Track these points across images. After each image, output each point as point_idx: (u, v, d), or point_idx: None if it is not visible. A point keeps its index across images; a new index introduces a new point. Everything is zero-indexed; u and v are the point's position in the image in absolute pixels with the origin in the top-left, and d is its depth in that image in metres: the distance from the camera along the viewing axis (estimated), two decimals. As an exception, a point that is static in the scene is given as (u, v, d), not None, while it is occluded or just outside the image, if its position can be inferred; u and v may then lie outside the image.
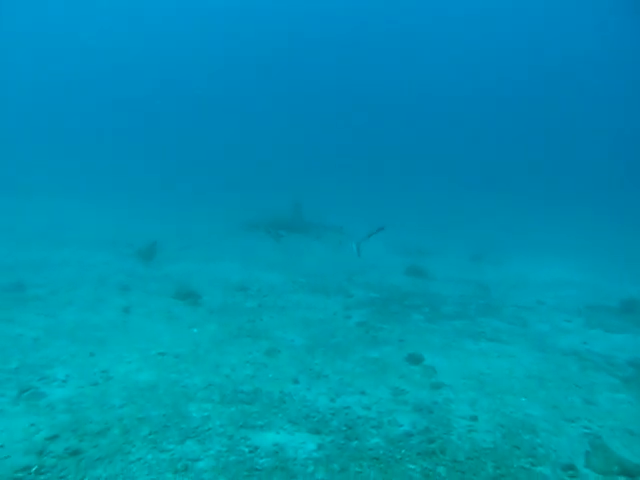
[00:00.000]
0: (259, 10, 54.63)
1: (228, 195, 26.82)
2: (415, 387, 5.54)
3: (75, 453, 3.80)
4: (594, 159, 43.72)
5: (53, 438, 3.94)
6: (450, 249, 17.80)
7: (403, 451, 4.18)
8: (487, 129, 53.63)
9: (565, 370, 6.30)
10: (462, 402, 5.14)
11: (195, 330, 6.99)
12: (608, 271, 14.05)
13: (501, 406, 5.13)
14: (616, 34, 47.89)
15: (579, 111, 52.65)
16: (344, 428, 4.51)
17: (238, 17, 55.34)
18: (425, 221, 25.61)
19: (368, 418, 4.74)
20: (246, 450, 4.04)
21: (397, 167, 42.85)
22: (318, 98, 58.72)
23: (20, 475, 3.49)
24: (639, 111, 48.02)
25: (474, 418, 4.81)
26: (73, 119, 45.52)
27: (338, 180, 33.71)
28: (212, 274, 10.66)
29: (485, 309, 9.19)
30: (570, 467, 4.07)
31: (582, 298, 10.62)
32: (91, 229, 15.64)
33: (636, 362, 6.63)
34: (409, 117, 57.01)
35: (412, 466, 3.98)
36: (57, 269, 9.79)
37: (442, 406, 5.02)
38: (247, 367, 5.80)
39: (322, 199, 24.85)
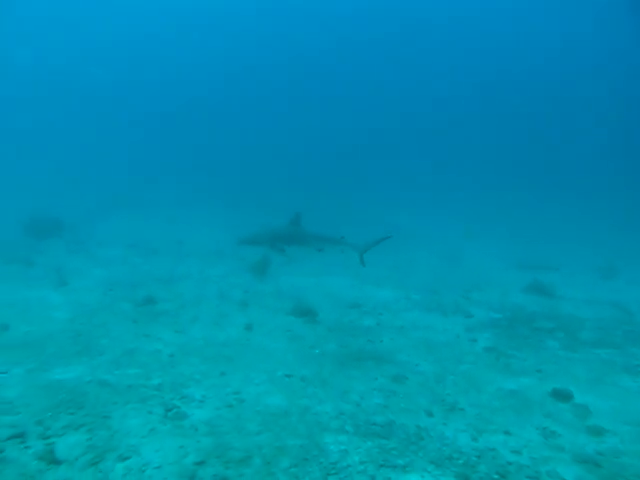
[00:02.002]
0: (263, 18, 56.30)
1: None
2: (569, 430, 4.89)
3: (222, 482, 3.79)
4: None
5: (201, 464, 3.98)
6: (571, 262, 16.24)
7: (573, 512, 3.64)
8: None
9: None
10: (636, 456, 4.41)
11: (317, 351, 6.90)
12: None
13: (684, 462, 4.33)
14: (615, 34, 46.71)
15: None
16: (496, 476, 4.05)
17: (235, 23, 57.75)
18: (532, 231, 23.83)
19: (521, 465, 4.23)
20: (392, 494, 3.77)
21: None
22: (320, 104, 59.82)
23: (175, 502, 3.54)
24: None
25: (654, 476, 4.10)
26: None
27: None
28: (323, 289, 10.63)
29: (636, 337, 8.07)
30: None
31: None
32: (201, 240, 16.54)
33: None
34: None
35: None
36: (181, 283, 10.37)
37: (611, 459, 4.34)
38: (376, 395, 5.54)
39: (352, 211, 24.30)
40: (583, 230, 23.60)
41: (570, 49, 53.34)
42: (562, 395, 5.57)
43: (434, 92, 60.63)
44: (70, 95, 56.74)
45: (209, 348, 6.73)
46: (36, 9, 53.18)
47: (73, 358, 5.88)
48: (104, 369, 5.67)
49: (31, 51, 53.56)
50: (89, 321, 7.34)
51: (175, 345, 6.71)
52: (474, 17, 54.96)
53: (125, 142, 46.42)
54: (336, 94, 61.90)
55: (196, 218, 21.81)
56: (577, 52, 53.24)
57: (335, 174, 40.09)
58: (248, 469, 3.98)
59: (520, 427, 4.93)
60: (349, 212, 24.73)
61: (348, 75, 61.89)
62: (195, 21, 58.97)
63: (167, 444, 4.25)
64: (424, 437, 4.66)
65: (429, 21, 56.35)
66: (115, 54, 58.46)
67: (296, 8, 57.22)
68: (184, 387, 5.43)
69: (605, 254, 16.64)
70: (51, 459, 3.83)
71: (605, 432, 4.82)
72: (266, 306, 8.96)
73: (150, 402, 5.00)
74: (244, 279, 11.12)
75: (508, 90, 56.99)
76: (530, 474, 4.11)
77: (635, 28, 40.78)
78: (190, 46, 61.21)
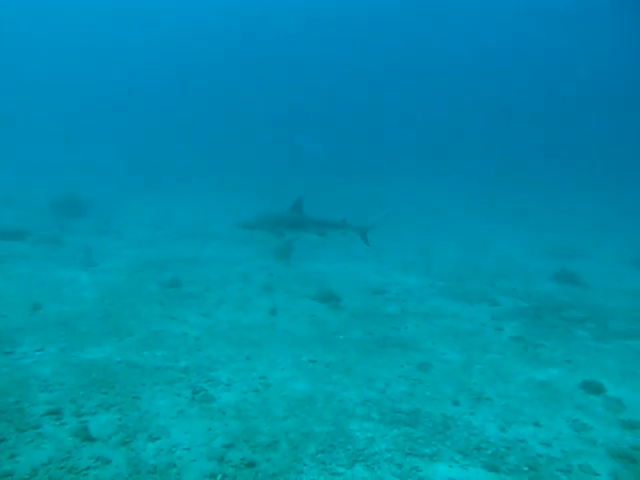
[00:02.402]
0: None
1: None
2: (601, 423, 4.78)
3: (251, 465, 3.83)
4: None
5: (229, 446, 4.02)
6: (601, 252, 15.79)
7: (606, 508, 3.57)
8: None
9: None
10: (673, 452, 4.30)
11: (341, 337, 6.89)
12: None
13: None
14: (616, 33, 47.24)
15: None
16: (526, 468, 3.99)
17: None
18: (560, 217, 23.26)
19: (552, 458, 4.16)
20: (420, 483, 3.76)
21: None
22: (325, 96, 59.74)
23: (207, 483, 3.60)
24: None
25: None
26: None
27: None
28: (347, 275, 10.60)
29: (670, 329, 7.82)
30: None
31: None
32: (227, 223, 16.63)
33: None
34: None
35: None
36: (206, 265, 10.47)
37: (647, 455, 4.24)
38: (401, 382, 5.51)
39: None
40: (612, 220, 22.92)
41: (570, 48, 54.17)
42: (593, 387, 5.45)
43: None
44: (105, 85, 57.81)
45: (234, 332, 6.79)
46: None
47: (103, 338, 6.01)
48: (133, 350, 5.78)
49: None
50: (118, 302, 7.47)
51: (201, 328, 6.79)
52: (474, 16, 56.01)
53: (154, 130, 46.90)
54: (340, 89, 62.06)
55: (223, 203, 21.92)
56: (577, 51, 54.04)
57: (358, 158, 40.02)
58: (275, 454, 4.01)
59: (550, 419, 4.84)
60: (375, 195, 24.59)
61: (353, 69, 62.02)
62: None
63: (195, 426, 4.31)
64: (451, 426, 4.62)
65: (429, 20, 57.35)
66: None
67: (296, 7, 57.41)
68: (210, 370, 5.49)
69: (636, 244, 16.13)
70: (85, 436, 3.92)
71: (640, 427, 4.70)
72: (290, 290, 8.98)
73: (178, 384, 5.07)
74: (268, 262, 11.15)
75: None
76: (561, 467, 4.04)
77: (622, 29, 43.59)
78: (214, 38, 61.45)
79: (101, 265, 9.68)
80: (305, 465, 3.88)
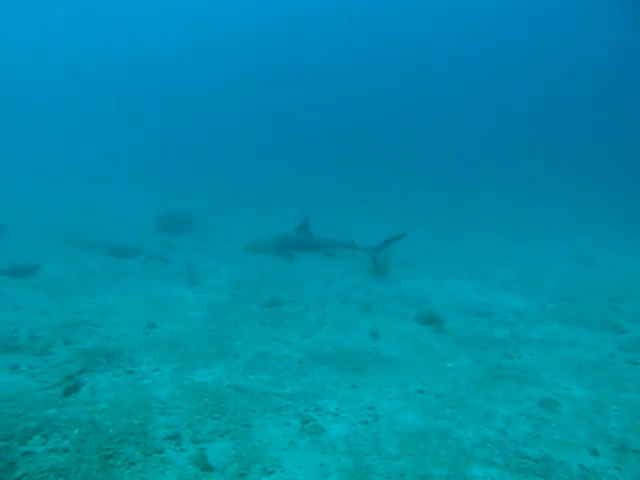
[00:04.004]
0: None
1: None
2: None
3: (368, 511, 3.62)
4: None
5: (344, 487, 3.86)
6: None
7: None
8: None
9: None
10: None
11: (449, 365, 6.49)
12: None
13: None
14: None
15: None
16: None
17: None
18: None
19: None
20: None
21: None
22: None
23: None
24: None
25: None
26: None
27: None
28: (447, 294, 10.10)
29: None
30: None
31: None
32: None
33: None
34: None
35: None
36: (302, 284, 10.53)
37: None
38: (523, 421, 5.01)
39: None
40: None
41: (570, 47, 53.16)
42: None
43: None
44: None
45: (337, 355, 6.65)
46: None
47: (212, 360, 6.16)
48: (240, 373, 5.84)
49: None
50: (222, 321, 7.68)
51: (303, 350, 6.75)
52: (473, 15, 54.76)
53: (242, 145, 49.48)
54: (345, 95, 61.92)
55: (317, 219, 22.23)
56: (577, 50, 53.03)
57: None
58: (394, 499, 3.76)
59: None
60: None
61: (354, 74, 61.91)
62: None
63: (308, 460, 4.19)
64: (591, 481, 4.07)
65: (428, 19, 56.26)
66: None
67: (296, 7, 57.72)
68: (317, 398, 5.38)
69: None
70: (204, 465, 3.96)
71: None
72: (389, 310, 8.71)
73: (285, 412, 5.01)
74: (362, 280, 10.98)
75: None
76: None
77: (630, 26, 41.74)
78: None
79: (204, 283, 10.10)
80: (428, 516, 3.59)
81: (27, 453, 3.79)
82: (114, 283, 9.56)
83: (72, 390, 4.93)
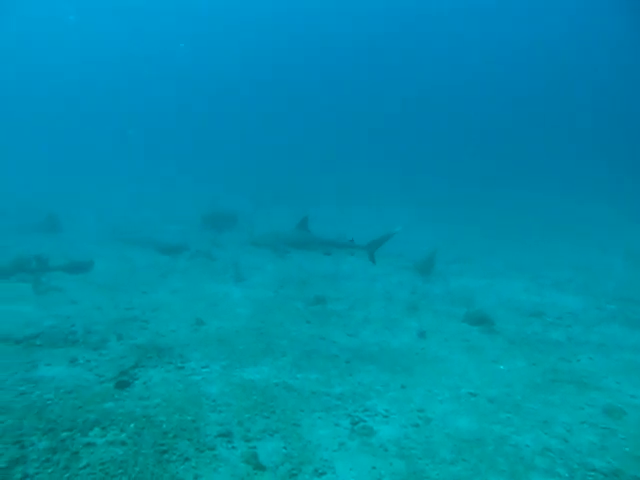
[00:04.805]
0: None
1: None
2: None
3: (424, 518, 3.51)
4: None
5: (398, 492, 3.76)
6: None
7: None
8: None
9: None
10: None
11: (502, 367, 6.25)
12: None
13: None
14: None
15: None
16: None
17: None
18: None
19: None
20: None
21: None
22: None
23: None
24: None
25: None
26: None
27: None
28: (496, 293, 9.77)
29: None
30: None
31: None
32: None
33: None
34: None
35: None
36: (346, 281, 10.45)
37: None
38: (587, 430, 4.74)
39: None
40: None
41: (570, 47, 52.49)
42: None
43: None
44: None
45: (384, 355, 6.54)
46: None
47: (259, 357, 6.18)
48: (287, 372, 5.83)
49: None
50: (268, 319, 7.72)
51: (350, 350, 6.67)
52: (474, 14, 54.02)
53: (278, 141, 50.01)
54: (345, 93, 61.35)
55: (359, 214, 22.12)
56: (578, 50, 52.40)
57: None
58: (450, 507, 3.63)
59: None
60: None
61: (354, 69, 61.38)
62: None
63: (359, 463, 4.12)
64: (666, 497, 3.79)
65: (428, 17, 55.65)
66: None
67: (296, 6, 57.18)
68: (366, 399, 5.29)
69: None
70: (256, 464, 3.95)
71: None
72: (436, 310, 8.50)
73: (335, 412, 4.95)
74: (407, 278, 10.79)
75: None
76: None
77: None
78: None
79: (249, 280, 10.20)
80: (487, 526, 3.44)
81: (89, 444, 3.90)
82: (163, 279, 9.79)
83: (127, 384, 5.07)
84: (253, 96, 64.25)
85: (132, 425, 4.26)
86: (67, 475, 3.53)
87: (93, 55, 61.48)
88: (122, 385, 5.04)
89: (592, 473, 4.06)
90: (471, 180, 33.06)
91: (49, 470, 3.56)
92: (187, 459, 3.91)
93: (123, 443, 3.99)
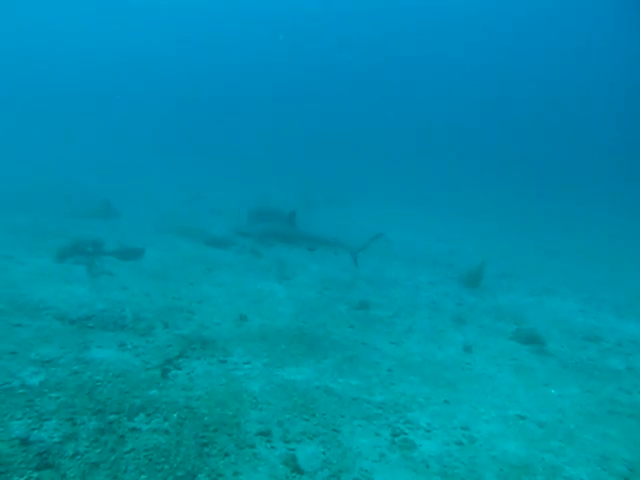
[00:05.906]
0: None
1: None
2: None
3: None
4: None
5: (440, 513, 3.61)
6: None
7: None
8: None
9: None
10: None
11: (554, 391, 5.92)
12: None
13: None
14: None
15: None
16: None
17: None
18: None
19: None
20: None
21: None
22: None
23: None
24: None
25: None
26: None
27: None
28: (547, 312, 9.31)
29: None
30: None
31: None
32: (405, 239, 16.34)
33: None
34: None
35: None
36: (390, 288, 10.26)
37: None
38: (648, 470, 4.40)
39: None
40: None
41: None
42: None
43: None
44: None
45: (427, 367, 6.35)
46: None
47: (301, 358, 6.14)
48: (329, 375, 5.76)
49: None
50: (311, 320, 7.67)
51: (392, 359, 6.52)
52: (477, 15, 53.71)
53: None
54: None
55: (406, 216, 21.80)
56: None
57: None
58: (496, 535, 3.44)
59: None
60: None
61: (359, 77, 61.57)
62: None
63: (399, 477, 3.99)
64: None
65: (430, 18, 55.48)
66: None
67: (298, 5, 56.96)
68: (408, 410, 5.14)
69: None
70: (294, 467, 3.90)
71: None
72: (484, 325, 8.20)
73: (375, 421, 4.84)
74: (454, 289, 10.48)
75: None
76: None
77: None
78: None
79: (293, 279, 10.20)
80: None
81: (134, 429, 3.98)
82: (209, 272, 9.95)
83: (171, 373, 5.15)
84: (307, 96, 65.07)
85: (175, 415, 4.31)
86: (113, 457, 3.60)
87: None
88: (167, 374, 5.13)
89: (654, 517, 3.75)
90: (524, 193, 31.91)
91: (97, 450, 3.64)
92: (227, 454, 3.90)
93: (166, 432, 4.03)
